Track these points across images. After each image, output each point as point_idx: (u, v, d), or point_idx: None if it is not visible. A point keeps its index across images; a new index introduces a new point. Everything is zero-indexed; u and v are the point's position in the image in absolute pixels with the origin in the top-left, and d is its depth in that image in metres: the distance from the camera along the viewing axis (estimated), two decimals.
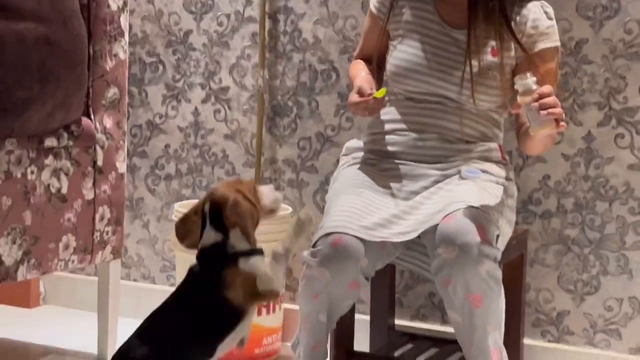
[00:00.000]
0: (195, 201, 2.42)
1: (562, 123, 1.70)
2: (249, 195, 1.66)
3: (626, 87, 2.13)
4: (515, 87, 1.74)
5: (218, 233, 1.63)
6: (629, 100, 2.13)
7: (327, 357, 1.95)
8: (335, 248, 1.75)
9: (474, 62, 1.94)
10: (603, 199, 2.17)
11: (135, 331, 1.62)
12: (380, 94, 1.88)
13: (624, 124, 2.14)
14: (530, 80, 1.72)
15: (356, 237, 1.75)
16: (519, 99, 1.73)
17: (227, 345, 1.82)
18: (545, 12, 1.98)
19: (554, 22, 1.98)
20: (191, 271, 1.66)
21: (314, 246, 1.79)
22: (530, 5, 1.98)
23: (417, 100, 1.97)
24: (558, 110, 1.70)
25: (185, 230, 1.69)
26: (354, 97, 1.90)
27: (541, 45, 1.96)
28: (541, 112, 1.69)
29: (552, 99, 1.70)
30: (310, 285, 1.80)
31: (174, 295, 1.67)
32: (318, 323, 1.84)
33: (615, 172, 2.15)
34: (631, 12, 2.11)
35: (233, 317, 1.63)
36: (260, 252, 1.63)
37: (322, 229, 1.79)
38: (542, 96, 1.70)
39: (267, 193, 1.70)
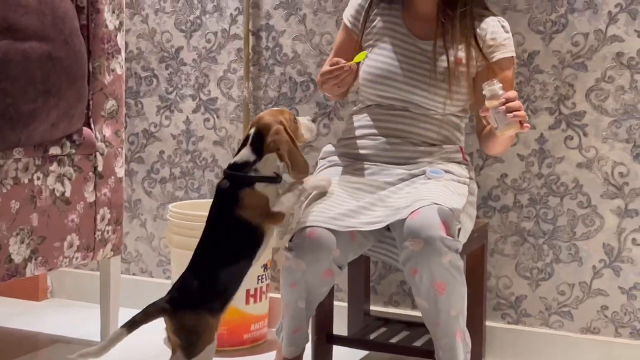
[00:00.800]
0: (188, 202, 2.48)
1: (525, 124, 1.73)
2: (289, 125, 1.73)
3: (574, 94, 2.15)
4: (484, 92, 1.75)
5: (253, 154, 1.70)
6: (576, 106, 2.15)
7: (308, 340, 1.97)
8: (309, 240, 1.76)
9: (439, 71, 1.96)
10: (555, 194, 2.19)
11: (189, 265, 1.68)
12: (359, 57, 1.88)
13: (573, 127, 2.16)
14: (497, 86, 1.74)
15: (328, 229, 1.76)
16: (487, 103, 1.74)
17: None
18: (502, 26, 2.00)
19: (510, 34, 1.99)
20: (219, 187, 1.72)
21: (291, 240, 1.80)
22: (488, 19, 1.99)
23: (386, 106, 1.98)
24: (522, 113, 1.72)
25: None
26: (326, 67, 1.91)
27: (499, 55, 1.97)
28: (507, 114, 1.71)
29: (517, 103, 1.72)
30: (289, 275, 1.81)
31: (208, 218, 1.72)
32: (297, 309, 1.85)
33: (566, 170, 2.17)
34: (577, 26, 2.13)
35: (253, 236, 1.69)
36: (279, 180, 1.71)
37: (298, 224, 1.81)
38: (508, 100, 1.72)
39: (304, 124, 1.79)
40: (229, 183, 1.71)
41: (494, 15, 2.02)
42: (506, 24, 2.02)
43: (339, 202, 1.84)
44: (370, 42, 2.02)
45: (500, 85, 1.74)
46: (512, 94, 1.74)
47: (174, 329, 1.61)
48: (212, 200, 1.74)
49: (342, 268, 1.84)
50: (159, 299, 1.64)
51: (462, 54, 1.96)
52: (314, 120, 1.79)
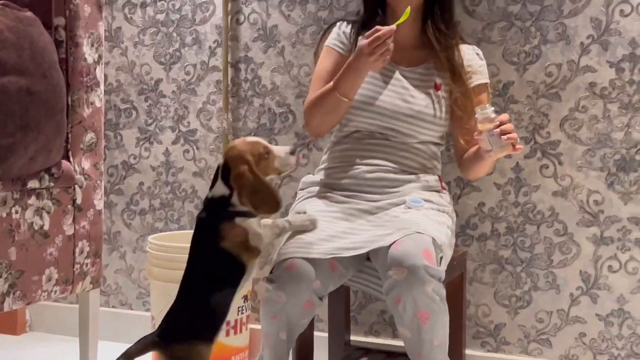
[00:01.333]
0: (168, 233, 2.44)
1: (518, 146, 1.77)
2: (257, 161, 1.68)
3: (548, 123, 2.16)
4: (477, 116, 1.78)
5: (225, 188, 1.68)
6: (551, 135, 2.16)
7: None
8: (289, 272, 1.75)
9: (420, 97, 1.96)
10: (532, 222, 2.19)
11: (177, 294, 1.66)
12: (405, 15, 1.80)
13: (548, 156, 2.17)
14: (490, 109, 1.77)
15: (307, 260, 1.75)
16: (481, 126, 1.77)
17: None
18: (477, 54, 2.06)
19: (484, 62, 2.05)
20: (198, 218, 1.71)
21: (271, 272, 1.79)
22: (464, 47, 2.04)
23: (367, 135, 1.98)
24: (515, 135, 1.76)
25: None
26: (368, 39, 1.79)
27: (476, 82, 2.02)
28: (502, 137, 1.75)
29: (510, 126, 1.76)
30: (270, 307, 1.79)
31: (191, 250, 1.70)
32: (279, 341, 1.83)
33: (542, 198, 2.18)
34: (551, 57, 2.15)
35: (236, 266, 1.66)
36: (254, 215, 1.68)
37: (278, 256, 1.80)
38: (502, 123, 1.75)
39: (280, 157, 1.72)
40: (209, 216, 1.69)
41: (468, 44, 2.08)
42: (480, 52, 2.08)
43: (319, 230, 1.82)
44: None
45: (493, 109, 1.78)
46: (505, 117, 1.78)
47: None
48: (192, 231, 1.72)
49: (323, 299, 1.83)
50: (151, 332, 1.63)
51: (440, 80, 1.99)
52: (292, 152, 1.73)
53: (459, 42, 2.03)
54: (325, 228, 1.83)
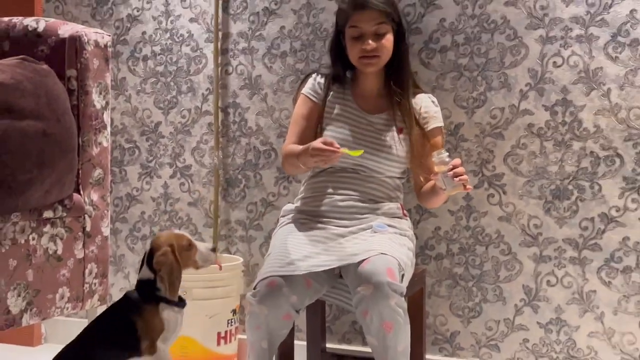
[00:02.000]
0: None
1: (468, 186, 1.80)
2: (179, 250, 1.66)
3: (494, 158, 2.18)
4: (433, 159, 1.81)
5: (151, 272, 1.65)
6: (496, 169, 2.18)
7: None
8: (269, 288, 1.75)
9: (385, 139, 1.99)
10: (481, 244, 2.20)
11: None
12: (356, 153, 1.84)
13: (494, 187, 2.18)
14: (444, 154, 1.80)
15: (285, 277, 1.75)
16: (437, 168, 1.80)
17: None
18: (432, 101, 2.06)
19: (439, 108, 2.06)
20: (126, 296, 1.68)
21: (255, 288, 1.79)
22: (421, 95, 2.05)
23: (340, 170, 1.99)
24: (466, 177, 1.79)
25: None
26: (318, 144, 1.80)
27: (432, 125, 2.03)
28: (454, 178, 1.78)
29: (461, 169, 1.79)
30: (253, 319, 1.79)
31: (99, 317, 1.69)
32: (261, 349, 1.82)
33: (489, 223, 2.19)
34: (495, 102, 2.17)
35: (134, 344, 1.63)
36: (181, 303, 1.65)
37: (261, 273, 1.79)
38: (455, 166, 1.78)
39: (201, 251, 1.71)
40: (135, 295, 1.68)
41: (424, 92, 2.09)
42: (435, 99, 2.09)
43: (295, 249, 1.83)
44: (328, 119, 2.03)
45: (447, 154, 1.81)
46: (458, 161, 1.80)
47: None
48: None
49: (300, 312, 1.83)
50: None
51: (401, 125, 2.00)
52: (213, 250, 1.74)
53: (415, 92, 2.04)
54: (302, 250, 1.83)
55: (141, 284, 1.67)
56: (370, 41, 1.93)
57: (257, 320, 1.79)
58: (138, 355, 1.63)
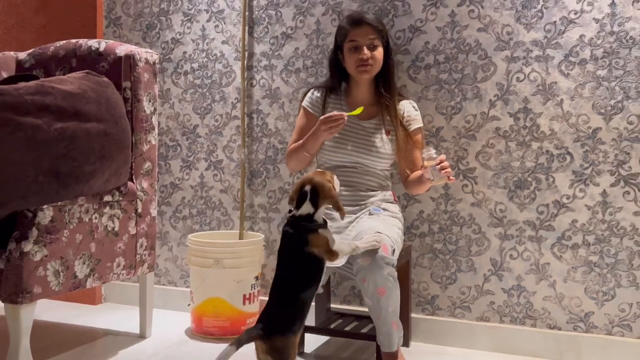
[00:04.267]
0: (202, 233, 2.44)
1: (452, 177, 1.81)
2: (332, 182, 1.64)
3: (467, 155, 2.17)
4: (423, 155, 1.81)
5: (312, 207, 1.58)
6: (469, 164, 2.17)
7: None
8: None
9: (376, 140, 1.98)
10: (456, 224, 2.20)
11: (270, 294, 1.55)
12: (357, 111, 1.85)
13: (467, 178, 2.17)
14: (432, 151, 1.81)
15: None
16: (426, 163, 1.81)
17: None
18: (413, 107, 2.07)
19: (419, 112, 2.07)
20: (286, 232, 1.58)
21: None
22: (403, 102, 2.06)
23: (341, 166, 1.99)
24: (450, 170, 1.81)
25: (291, 198, 1.62)
26: (325, 116, 1.82)
27: (414, 126, 2.03)
28: (441, 171, 1.78)
29: (447, 163, 1.80)
30: None
31: (281, 256, 1.58)
32: None
33: (463, 207, 2.18)
34: (469, 110, 2.16)
35: (318, 267, 1.58)
36: (326, 226, 1.61)
37: None
38: (441, 161, 1.79)
39: (337, 182, 1.68)
40: (296, 229, 1.57)
41: (407, 99, 2.09)
42: (415, 104, 2.09)
43: None
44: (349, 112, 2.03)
45: (435, 150, 1.82)
46: (444, 157, 1.81)
47: (267, 350, 1.48)
48: (281, 242, 1.60)
49: (322, 285, 1.78)
50: (254, 326, 1.50)
51: (389, 127, 2.00)
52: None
53: (399, 99, 2.04)
54: None
55: (302, 217, 1.57)
56: (366, 51, 1.92)
57: None
58: (322, 272, 1.58)
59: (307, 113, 2.07)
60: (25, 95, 1.66)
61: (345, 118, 1.81)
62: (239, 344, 1.46)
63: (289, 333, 1.50)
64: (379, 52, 1.96)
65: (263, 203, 2.47)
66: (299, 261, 1.55)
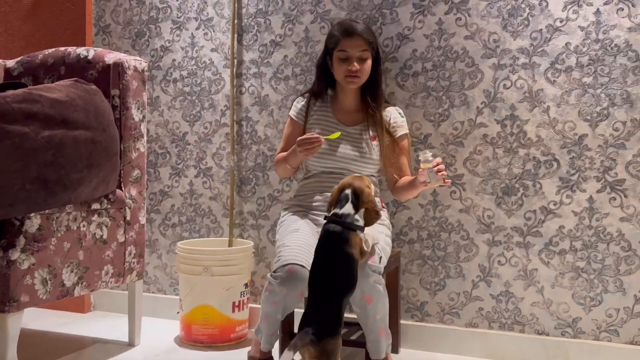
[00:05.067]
0: (191, 240, 2.44)
1: (447, 180, 1.81)
2: (370, 189, 1.68)
3: (455, 162, 2.18)
4: (420, 158, 1.81)
5: (353, 209, 1.62)
6: (457, 170, 2.18)
7: (277, 339, 1.92)
8: (290, 273, 1.73)
9: (362, 146, 1.99)
10: (445, 231, 2.20)
11: (310, 291, 1.55)
12: (334, 135, 1.87)
13: (455, 185, 2.19)
14: (429, 154, 1.80)
15: (302, 266, 1.73)
16: (422, 165, 1.81)
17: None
18: (399, 113, 2.07)
19: (405, 118, 2.07)
20: (328, 231, 1.60)
21: (275, 271, 1.76)
22: (389, 109, 2.06)
23: (328, 172, 2.00)
24: (445, 172, 1.80)
25: (331, 203, 1.67)
26: (302, 137, 1.85)
27: (400, 133, 2.04)
28: (438, 173, 1.78)
29: (443, 166, 1.80)
30: (272, 296, 1.76)
31: (321, 254, 1.59)
32: (275, 319, 1.81)
33: (452, 214, 2.19)
34: (456, 117, 2.17)
35: (354, 265, 1.60)
36: (363, 229, 1.64)
37: (280, 261, 1.77)
38: (437, 164, 1.79)
39: (373, 188, 1.73)
40: (341, 228, 1.60)
41: (392, 105, 2.09)
42: (401, 111, 2.09)
43: (304, 244, 1.82)
44: (312, 129, 2.03)
45: (431, 153, 1.81)
46: (439, 160, 1.81)
47: (317, 354, 1.47)
48: (321, 238, 1.62)
49: None
50: (306, 330, 1.48)
51: (374, 133, 2.00)
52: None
53: (385, 106, 2.05)
54: (308, 243, 1.82)
55: (344, 216, 1.61)
56: (355, 63, 1.94)
57: (276, 297, 1.76)
58: (355, 273, 1.60)
59: (293, 122, 2.09)
60: (13, 103, 1.66)
61: (322, 141, 1.82)
62: (295, 348, 1.44)
63: (337, 335, 1.50)
64: (368, 65, 1.97)
65: (252, 210, 2.48)
66: (342, 261, 1.57)
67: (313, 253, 1.76)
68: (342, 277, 1.56)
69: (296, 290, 1.74)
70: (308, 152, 1.85)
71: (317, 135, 1.82)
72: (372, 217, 1.66)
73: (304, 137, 1.84)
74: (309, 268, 1.72)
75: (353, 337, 2.06)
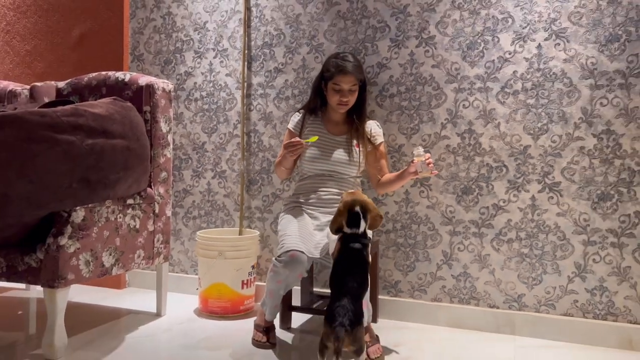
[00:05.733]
0: (208, 230, 2.43)
1: (434, 171, 1.79)
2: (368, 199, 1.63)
3: None
4: (414, 152, 1.79)
5: (364, 223, 1.58)
6: None
7: (279, 310, 1.92)
8: (292, 258, 1.73)
9: (348, 152, 1.99)
10: (415, 223, 2.20)
11: (339, 293, 1.49)
12: (312, 139, 1.87)
13: (424, 185, 2.18)
14: (421, 149, 1.79)
15: (301, 252, 1.73)
16: (415, 158, 1.79)
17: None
18: (377, 125, 2.07)
19: (381, 129, 2.07)
20: (353, 249, 1.55)
21: (279, 256, 1.75)
22: (369, 122, 2.06)
23: (320, 174, 1.99)
24: (433, 165, 1.80)
25: (335, 222, 1.60)
26: (285, 142, 1.86)
27: (378, 141, 2.03)
28: (428, 165, 1.78)
29: (432, 160, 1.80)
30: (276, 276, 1.77)
31: (345, 264, 1.54)
32: (278, 295, 1.81)
33: (421, 209, 2.19)
34: (425, 130, 2.16)
35: (369, 269, 1.58)
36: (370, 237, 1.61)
37: (284, 247, 1.76)
38: (428, 158, 1.78)
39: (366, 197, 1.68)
40: (361, 245, 1.57)
41: (372, 119, 2.09)
42: (378, 123, 2.09)
43: (307, 237, 1.81)
44: (306, 138, 2.03)
45: (423, 149, 1.80)
46: (429, 155, 1.81)
47: (351, 341, 1.43)
48: (346, 252, 1.57)
49: (307, 272, 1.81)
50: (339, 325, 1.41)
51: (357, 141, 2.00)
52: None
53: (365, 119, 2.04)
54: (305, 234, 1.82)
55: (361, 235, 1.57)
56: (346, 94, 1.95)
57: (279, 277, 1.76)
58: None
59: (291, 133, 2.09)
60: (62, 116, 1.65)
61: (304, 144, 1.82)
62: (337, 341, 1.40)
63: (362, 323, 1.47)
64: (355, 95, 1.98)
65: (259, 205, 2.47)
66: (363, 268, 1.55)
67: (310, 240, 1.76)
68: (364, 281, 1.55)
69: (296, 272, 1.74)
70: (293, 154, 1.85)
71: (299, 140, 1.83)
72: (377, 221, 1.62)
73: (288, 141, 1.85)
74: (307, 253, 1.73)
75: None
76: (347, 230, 1.59)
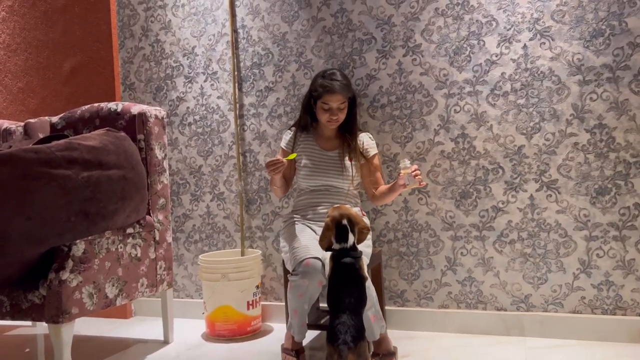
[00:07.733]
0: (210, 253, 2.42)
1: (422, 182, 1.81)
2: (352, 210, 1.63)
3: (420, 174, 2.18)
4: (400, 165, 1.81)
5: (353, 236, 1.58)
6: (422, 181, 2.17)
7: (306, 330, 1.82)
8: (306, 267, 1.70)
9: (340, 166, 1.99)
10: (416, 230, 2.20)
11: (337, 310, 1.49)
12: (291, 157, 1.87)
13: (422, 192, 2.19)
14: (408, 162, 1.81)
15: (316, 258, 1.71)
16: (403, 171, 1.80)
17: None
18: (370, 137, 2.07)
19: (374, 141, 2.07)
20: (346, 263, 1.54)
21: (294, 270, 1.73)
22: (361, 135, 2.06)
23: (316, 189, 1.99)
24: (421, 177, 1.82)
25: (324, 237, 1.59)
26: (267, 161, 1.88)
27: (371, 153, 2.03)
28: (415, 177, 1.79)
29: (419, 172, 1.81)
30: (297, 289, 1.72)
31: (340, 281, 1.53)
32: (303, 310, 1.75)
33: (421, 216, 2.19)
34: (418, 137, 2.17)
35: (365, 284, 1.58)
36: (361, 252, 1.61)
37: (296, 259, 1.74)
38: (415, 170, 1.80)
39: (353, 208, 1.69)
40: (352, 259, 1.57)
41: (365, 132, 2.09)
42: (371, 135, 2.10)
43: (310, 242, 1.81)
44: (300, 156, 2.04)
45: (409, 161, 1.83)
46: (416, 166, 1.83)
47: (356, 357, 1.43)
48: (338, 268, 1.56)
49: (326, 279, 1.76)
50: (342, 343, 1.43)
51: (350, 155, 2.01)
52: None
53: (358, 133, 2.05)
54: (311, 240, 1.82)
55: (351, 249, 1.56)
56: (335, 112, 1.96)
57: (300, 290, 1.71)
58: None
59: (283, 151, 2.10)
60: (57, 151, 1.66)
61: (285, 162, 1.83)
62: (341, 358, 1.41)
63: (365, 338, 1.47)
64: (345, 111, 1.98)
65: (259, 224, 2.47)
66: (359, 283, 1.54)
67: (318, 249, 1.74)
68: (361, 295, 1.54)
69: (316, 280, 1.70)
70: (274, 172, 1.84)
71: (279, 158, 1.83)
72: (364, 234, 1.62)
73: (268, 161, 1.85)
74: (322, 259, 1.70)
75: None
76: (336, 246, 1.59)
